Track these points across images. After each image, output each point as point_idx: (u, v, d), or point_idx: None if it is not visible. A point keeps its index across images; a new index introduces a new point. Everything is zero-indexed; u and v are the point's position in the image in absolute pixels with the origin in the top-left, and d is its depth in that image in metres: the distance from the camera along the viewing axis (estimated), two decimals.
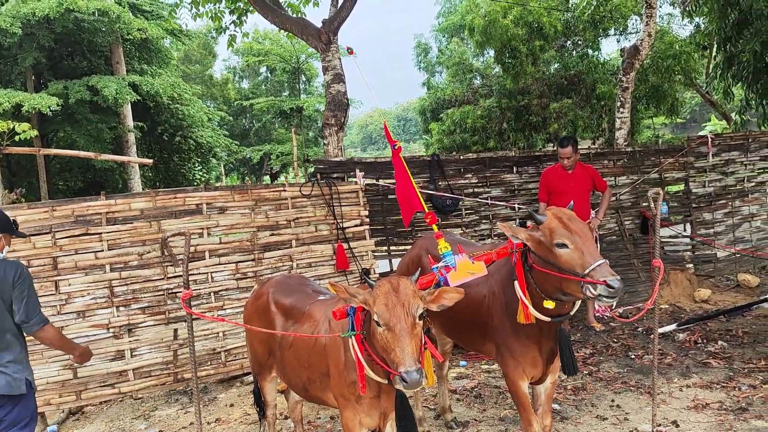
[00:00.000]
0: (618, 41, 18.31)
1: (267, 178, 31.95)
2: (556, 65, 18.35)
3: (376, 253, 7.17)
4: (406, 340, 2.70)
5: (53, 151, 8.55)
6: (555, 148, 7.80)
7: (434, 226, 3.87)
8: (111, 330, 5.87)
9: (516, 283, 3.44)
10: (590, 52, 17.73)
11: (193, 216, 6.24)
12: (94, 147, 15.60)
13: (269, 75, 34.12)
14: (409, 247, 6.80)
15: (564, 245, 3.21)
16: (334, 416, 5.27)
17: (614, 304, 7.05)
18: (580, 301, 3.52)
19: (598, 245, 7.49)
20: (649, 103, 16.02)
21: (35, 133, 13.69)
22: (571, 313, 3.48)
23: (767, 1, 9.13)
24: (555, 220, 3.28)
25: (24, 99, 14.06)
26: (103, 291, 5.87)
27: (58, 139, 18.77)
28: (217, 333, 6.26)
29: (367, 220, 6.99)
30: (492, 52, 17.85)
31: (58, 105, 14.62)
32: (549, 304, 3.26)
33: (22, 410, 3.65)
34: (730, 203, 9.08)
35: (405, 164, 4.12)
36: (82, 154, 6.76)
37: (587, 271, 3.11)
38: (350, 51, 6.68)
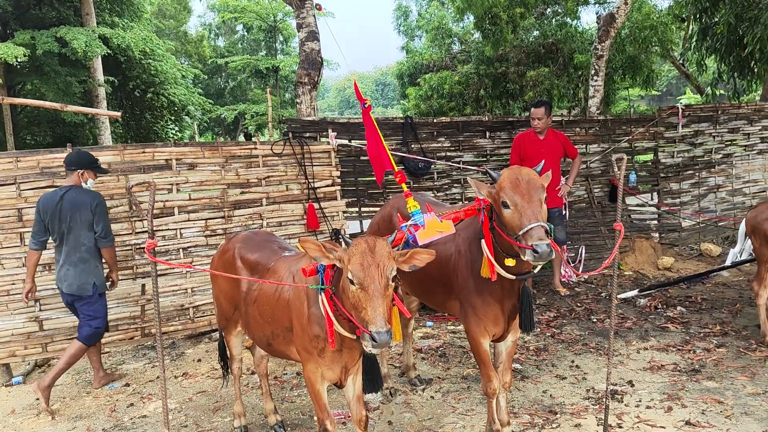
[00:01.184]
0: (597, 12, 18.30)
1: (242, 138, 31.61)
2: (535, 33, 18.28)
3: (347, 214, 7.20)
4: (378, 301, 2.73)
5: (18, 100, 8.32)
6: (528, 114, 7.85)
7: (403, 185, 3.90)
8: None
9: (483, 241, 3.47)
10: (569, 20, 17.67)
11: (162, 171, 6.17)
12: (62, 100, 15.22)
13: (246, 33, 33.48)
14: (379, 208, 6.84)
15: (507, 205, 3.25)
16: (300, 372, 5.34)
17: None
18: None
19: (567, 212, 7.61)
20: (626, 74, 16.09)
21: (0, 81, 13.34)
22: (534, 271, 3.53)
23: None
24: (506, 179, 3.28)
25: None
26: None
27: (25, 91, 18.28)
28: (186, 289, 6.26)
29: (339, 180, 6.99)
30: (472, 18, 17.70)
31: (25, 55, 14.20)
32: (510, 262, 3.29)
33: (90, 307, 5.09)
34: (697, 174, 9.26)
35: (375, 123, 4.11)
36: (48, 104, 6.58)
37: (520, 233, 3.15)
38: (319, 8, 6.59)
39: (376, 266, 2.78)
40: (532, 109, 7.05)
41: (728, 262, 7.47)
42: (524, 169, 3.33)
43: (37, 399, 4.97)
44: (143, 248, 6.03)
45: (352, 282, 2.79)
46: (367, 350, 2.77)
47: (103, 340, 5.92)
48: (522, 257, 3.17)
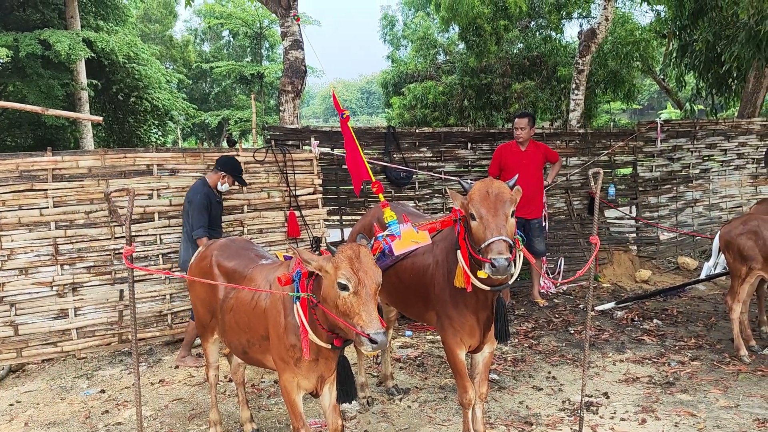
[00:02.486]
0: (581, 25, 18.51)
1: (225, 144, 31.47)
2: (519, 45, 18.43)
3: (327, 222, 7.21)
4: (372, 304, 2.78)
5: None
6: (512, 126, 7.93)
7: (380, 196, 3.92)
8: (55, 288, 5.81)
9: (459, 251, 3.50)
10: (553, 34, 17.85)
11: (143, 176, 6.17)
12: (45, 103, 15.06)
13: (231, 39, 33.36)
14: (360, 217, 6.86)
15: (473, 217, 3.28)
16: (277, 380, 5.33)
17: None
18: (518, 270, 3.59)
19: (546, 224, 7.69)
20: (608, 88, 16.27)
21: None
22: (510, 282, 3.56)
23: None
24: (476, 192, 3.31)
25: None
26: (48, 248, 5.79)
27: (7, 93, 18.06)
28: (164, 295, 6.24)
29: (321, 188, 7.02)
30: (457, 29, 17.82)
31: (7, 56, 14.06)
32: (482, 274, 3.30)
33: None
34: (675, 188, 9.40)
35: (353, 133, 4.14)
36: (29, 107, 6.56)
37: (482, 246, 3.19)
38: (297, 18, 6.65)
39: (365, 272, 2.82)
40: (516, 119, 7.14)
41: (703, 275, 7.58)
42: (495, 182, 3.36)
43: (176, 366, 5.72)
44: (122, 253, 6.00)
45: (344, 288, 2.81)
46: (365, 352, 2.79)
47: (78, 346, 5.89)
48: (482, 270, 3.20)
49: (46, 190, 5.78)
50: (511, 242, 3.20)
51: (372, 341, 2.71)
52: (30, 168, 5.73)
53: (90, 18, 18.41)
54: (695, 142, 9.51)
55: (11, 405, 5.04)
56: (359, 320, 2.76)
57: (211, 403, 4.30)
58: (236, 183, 5.89)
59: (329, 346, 3.09)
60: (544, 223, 7.50)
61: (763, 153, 9.49)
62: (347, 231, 7.30)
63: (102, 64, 18.35)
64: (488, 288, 3.45)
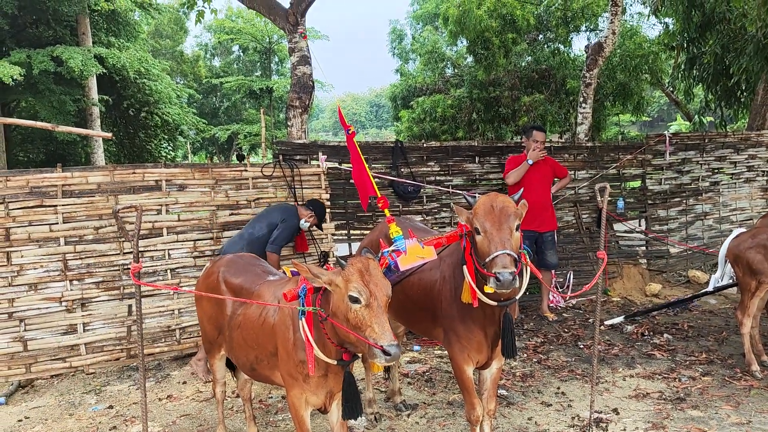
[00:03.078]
0: (588, 39, 18.53)
1: (235, 158, 31.66)
2: (528, 58, 18.47)
3: (335, 237, 7.22)
4: (383, 317, 2.80)
5: (9, 120, 8.37)
6: (521, 139, 7.95)
7: (386, 211, 3.92)
8: (64, 303, 5.84)
9: (465, 266, 3.49)
10: (561, 47, 17.88)
11: (152, 192, 6.20)
12: (56, 119, 15.26)
13: (241, 54, 33.69)
14: (368, 231, 6.86)
15: (478, 231, 3.29)
16: (285, 396, 5.32)
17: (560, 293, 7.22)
18: (524, 286, 3.58)
19: (556, 237, 7.66)
20: (616, 101, 16.26)
21: None
22: (517, 297, 3.54)
23: (729, 4, 9.34)
24: (480, 206, 3.32)
25: None
26: (57, 264, 5.83)
27: (20, 109, 18.32)
28: (172, 310, 6.25)
29: (328, 203, 7.02)
30: (465, 42, 17.88)
31: (20, 75, 14.24)
32: (488, 289, 3.28)
33: None
34: (684, 201, 9.34)
35: (358, 149, 4.16)
36: (39, 124, 6.62)
37: (487, 260, 3.19)
38: (304, 36, 6.71)
39: (375, 284, 2.85)
40: (535, 132, 7.12)
41: (710, 287, 7.52)
42: (500, 197, 3.37)
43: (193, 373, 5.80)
44: (130, 270, 6.03)
45: (356, 300, 2.82)
46: (379, 364, 2.80)
47: (87, 362, 5.90)
48: (487, 284, 3.20)
49: (56, 205, 5.83)
50: (516, 256, 3.20)
51: (386, 353, 2.71)
52: (40, 184, 5.78)
53: (101, 34, 18.65)
54: (704, 155, 9.46)
55: (20, 420, 5.05)
56: (371, 332, 2.77)
57: (218, 420, 4.30)
58: (316, 225, 6.39)
59: (335, 362, 3.08)
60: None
61: None
62: (355, 245, 7.30)
63: (113, 80, 18.56)
64: (495, 303, 3.44)
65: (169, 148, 23.45)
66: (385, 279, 2.96)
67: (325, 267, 3.11)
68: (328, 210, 7.00)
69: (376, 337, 2.75)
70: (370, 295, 2.82)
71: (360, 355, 3.20)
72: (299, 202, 6.61)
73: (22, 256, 5.71)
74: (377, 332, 2.76)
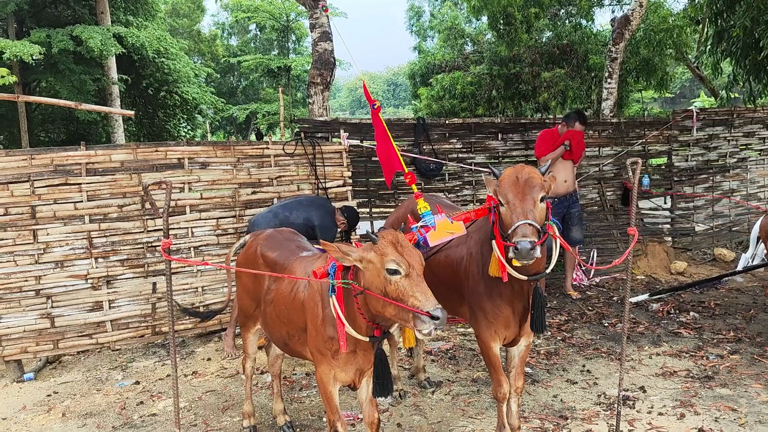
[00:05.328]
0: (613, 11, 18.18)
1: (253, 137, 31.68)
2: (548, 34, 18.18)
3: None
4: (424, 284, 2.81)
5: (33, 98, 8.41)
6: (551, 117, 7.83)
7: (413, 186, 3.88)
8: (89, 281, 5.88)
9: (494, 241, 3.44)
10: (584, 22, 17.56)
11: (174, 170, 6.20)
12: (77, 98, 15.30)
13: (258, 33, 33.50)
14: (391, 209, 6.83)
15: (502, 203, 3.26)
16: (309, 372, 5.34)
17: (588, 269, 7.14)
18: (554, 258, 3.53)
19: (581, 213, 7.57)
20: (639, 77, 15.97)
21: (14, 79, 13.42)
22: (547, 271, 3.49)
23: None
24: (505, 177, 3.29)
25: (5, 46, 13.71)
26: (82, 242, 5.86)
27: (40, 89, 18.38)
28: (196, 288, 6.28)
29: (350, 181, 6.99)
30: (485, 18, 17.62)
31: (40, 54, 14.30)
32: (516, 262, 3.25)
33: None
34: (711, 178, 9.17)
35: (384, 124, 4.10)
36: (62, 102, 6.63)
37: (509, 231, 3.16)
38: (325, 9, 6.62)
39: (410, 254, 2.87)
40: (577, 123, 6.98)
41: (740, 267, 7.39)
42: (526, 168, 3.33)
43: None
44: (155, 246, 6.06)
45: (395, 272, 2.81)
46: (424, 332, 2.74)
47: (113, 338, 5.97)
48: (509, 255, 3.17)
49: (80, 184, 5.85)
50: (538, 227, 3.16)
51: (434, 318, 2.71)
52: (64, 162, 5.80)
53: (120, 13, 18.63)
54: (732, 131, 9.27)
55: (49, 396, 5.13)
56: (415, 301, 2.76)
57: (246, 395, 4.32)
58: (345, 232, 6.22)
59: (367, 338, 3.07)
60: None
61: None
62: (378, 223, 7.27)
63: (132, 59, 18.57)
64: (524, 277, 3.39)
65: (189, 127, 23.49)
66: (415, 249, 2.97)
67: (354, 245, 3.08)
68: (349, 188, 6.97)
69: (421, 305, 2.74)
70: (409, 265, 2.82)
71: (390, 331, 3.18)
72: (327, 198, 6.60)
73: (48, 234, 5.74)
74: (420, 300, 2.75)
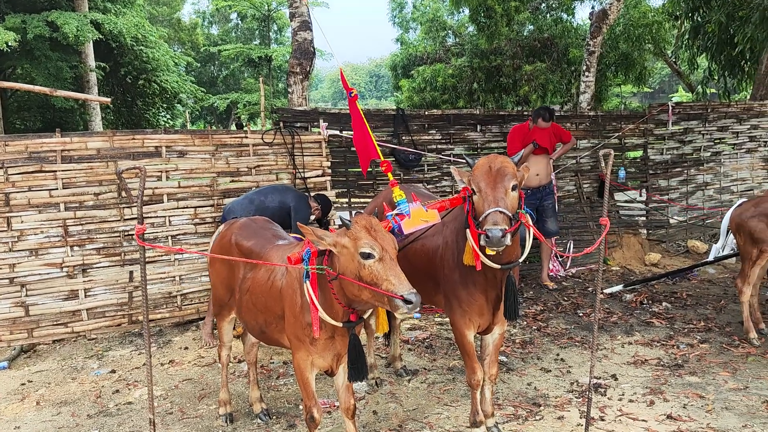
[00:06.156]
0: (593, 6, 18.30)
1: (233, 127, 31.44)
2: (530, 27, 18.27)
3: (336, 205, 7.19)
4: (397, 268, 2.84)
5: (7, 84, 8.26)
6: (530, 110, 7.89)
7: (389, 175, 3.90)
8: (65, 269, 5.85)
9: (468, 230, 3.48)
10: (564, 16, 17.68)
11: (151, 158, 6.16)
12: (53, 85, 15.04)
13: (239, 22, 33.25)
14: (370, 200, 6.85)
15: (474, 191, 3.31)
16: (287, 361, 5.36)
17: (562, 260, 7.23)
18: (528, 247, 3.59)
19: (557, 205, 7.66)
20: (618, 71, 16.13)
21: None
22: (520, 260, 3.54)
23: None
24: (478, 166, 3.35)
25: None
26: (57, 230, 5.82)
27: (15, 75, 18.05)
28: (174, 277, 6.27)
29: (329, 171, 7.00)
30: (467, 11, 17.65)
31: (15, 40, 14.04)
32: (489, 250, 3.30)
33: None
34: (685, 171, 9.32)
35: (361, 112, 4.11)
36: (37, 89, 6.57)
37: (481, 218, 3.22)
38: None
39: (383, 239, 2.90)
40: (540, 120, 7.02)
41: (711, 257, 7.54)
42: (499, 158, 3.38)
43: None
44: (131, 235, 6.03)
45: (369, 256, 2.84)
46: (400, 314, 2.85)
47: (89, 327, 5.93)
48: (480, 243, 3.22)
49: (56, 171, 5.80)
50: (509, 214, 3.21)
51: (407, 301, 2.74)
52: (39, 149, 5.74)
53: (97, 0, 18.33)
54: (707, 125, 9.41)
55: (23, 384, 5.09)
56: (389, 285, 2.79)
57: (222, 383, 4.33)
58: (318, 220, 6.19)
59: (341, 324, 3.09)
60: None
61: None
62: (356, 213, 7.28)
63: (110, 47, 18.32)
64: (497, 266, 3.44)
65: (168, 116, 23.26)
66: (389, 234, 3.00)
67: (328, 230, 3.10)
68: (328, 178, 6.98)
69: (395, 288, 2.78)
70: (383, 249, 2.85)
71: (365, 317, 3.22)
72: (304, 187, 6.58)
73: (22, 222, 5.69)
74: (394, 283, 2.79)
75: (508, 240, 3.13)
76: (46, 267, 5.79)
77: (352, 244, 2.88)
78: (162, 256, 6.20)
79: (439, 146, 7.95)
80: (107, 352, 5.83)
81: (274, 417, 4.35)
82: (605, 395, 4.53)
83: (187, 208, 6.31)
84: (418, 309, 2.79)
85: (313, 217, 6.05)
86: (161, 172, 6.20)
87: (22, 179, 5.68)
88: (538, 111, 7.11)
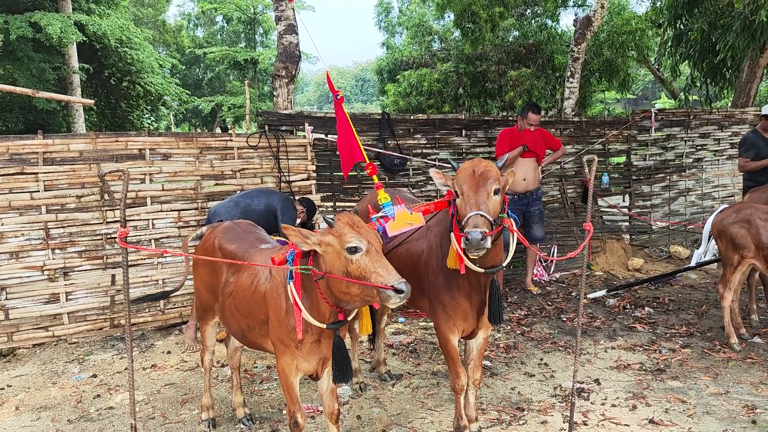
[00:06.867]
0: (576, 13, 18.47)
1: (218, 130, 31.28)
2: (515, 33, 18.38)
3: (321, 209, 7.18)
4: (384, 259, 2.86)
5: None
6: (515, 116, 7.91)
7: (374, 177, 3.90)
8: (46, 272, 5.78)
9: (452, 233, 3.48)
10: (549, 22, 17.81)
11: (135, 161, 6.12)
12: (36, 87, 14.92)
13: (225, 24, 33.16)
14: (354, 203, 6.85)
15: (457, 195, 3.33)
16: (270, 366, 5.33)
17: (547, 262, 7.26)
18: (511, 252, 3.60)
19: (543, 211, 7.69)
20: (602, 77, 16.27)
21: None
22: (504, 264, 3.55)
23: None
24: (462, 170, 3.36)
25: None
26: (39, 233, 5.75)
27: None
28: (156, 280, 6.21)
29: (314, 174, 6.98)
30: (452, 16, 17.73)
31: None
32: (473, 255, 3.30)
33: None
34: (668, 177, 9.41)
35: (347, 114, 4.11)
36: (18, 90, 6.48)
37: (463, 221, 3.23)
38: (290, 0, 6.61)
39: (367, 232, 2.91)
40: (531, 114, 7.03)
41: (693, 263, 7.61)
42: (483, 162, 3.39)
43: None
44: (114, 238, 5.97)
45: (355, 250, 2.85)
46: (391, 304, 2.83)
47: (70, 331, 5.86)
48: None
49: (37, 173, 5.73)
50: (491, 218, 3.21)
51: (398, 291, 2.75)
52: (20, 151, 5.67)
53: (81, 1, 18.19)
54: (689, 132, 9.52)
55: (2, 389, 5.02)
56: (378, 277, 2.81)
57: (205, 388, 4.29)
58: (307, 221, 6.14)
59: (324, 326, 3.08)
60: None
61: None
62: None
63: (94, 48, 18.19)
64: (481, 270, 3.44)
65: (152, 119, 23.11)
66: (373, 229, 3.03)
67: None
68: (314, 182, 6.96)
69: (384, 279, 2.79)
70: (368, 243, 2.86)
71: (350, 318, 3.21)
72: (289, 191, 6.55)
73: (2, 224, 5.62)
74: (383, 274, 2.80)
75: (488, 243, 3.13)
76: (27, 270, 5.72)
77: (338, 241, 2.89)
78: (145, 259, 6.15)
79: (424, 150, 7.97)
80: (88, 357, 5.77)
81: (258, 422, 4.32)
82: (588, 400, 4.55)
83: (170, 211, 6.26)
84: (408, 296, 2.80)
85: (298, 221, 6.02)
86: (145, 174, 6.15)
87: (2, 181, 5.61)
88: (526, 106, 7.14)
